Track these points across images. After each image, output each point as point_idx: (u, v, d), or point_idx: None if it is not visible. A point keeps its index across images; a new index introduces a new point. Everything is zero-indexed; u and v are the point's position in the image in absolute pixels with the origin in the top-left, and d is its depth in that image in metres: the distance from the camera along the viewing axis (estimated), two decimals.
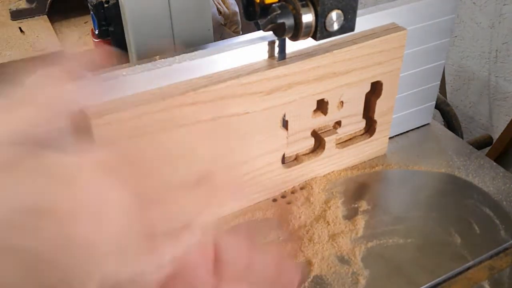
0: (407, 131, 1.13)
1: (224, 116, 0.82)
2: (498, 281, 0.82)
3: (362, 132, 1.03)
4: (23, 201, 0.32)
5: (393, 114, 1.02)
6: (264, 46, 0.83)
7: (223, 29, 1.59)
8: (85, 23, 1.95)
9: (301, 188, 0.97)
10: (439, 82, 1.10)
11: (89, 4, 1.04)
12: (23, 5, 1.93)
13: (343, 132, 0.99)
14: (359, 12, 0.77)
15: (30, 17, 1.93)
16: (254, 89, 0.82)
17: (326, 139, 0.95)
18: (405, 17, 0.95)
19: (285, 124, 0.90)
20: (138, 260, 0.37)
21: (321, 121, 0.95)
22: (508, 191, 0.96)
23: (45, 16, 1.94)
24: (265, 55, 0.84)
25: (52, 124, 0.40)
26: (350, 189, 0.98)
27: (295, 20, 0.73)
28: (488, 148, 1.50)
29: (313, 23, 0.73)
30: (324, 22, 0.73)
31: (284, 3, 0.74)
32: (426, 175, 1.01)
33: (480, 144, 1.25)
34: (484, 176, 0.99)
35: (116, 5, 1.00)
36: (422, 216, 0.92)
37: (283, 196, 0.96)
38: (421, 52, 1.02)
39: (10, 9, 1.92)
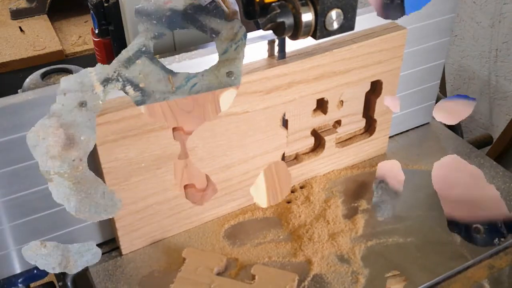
0: (407, 130, 1.13)
1: (223, 115, 0.82)
2: (497, 280, 0.82)
3: (362, 131, 1.03)
4: None
5: (393, 113, 1.02)
6: (264, 45, 0.83)
7: None
8: (85, 22, 1.95)
9: (301, 187, 0.97)
10: (439, 81, 1.10)
11: (89, 4, 1.04)
12: (23, 4, 1.93)
13: (343, 131, 0.99)
14: (359, 11, 0.77)
15: (30, 17, 1.93)
16: (254, 88, 0.82)
17: (326, 138, 0.95)
18: (405, 16, 0.94)
19: (285, 123, 0.90)
20: None
21: (321, 120, 0.95)
22: (508, 190, 0.96)
23: (45, 16, 1.94)
24: (264, 54, 0.84)
25: None
26: (350, 188, 0.98)
27: (294, 19, 0.73)
28: (488, 147, 1.50)
29: (313, 22, 0.73)
30: (324, 21, 0.73)
31: (283, 2, 0.74)
32: (426, 174, 1.01)
33: (480, 143, 1.24)
34: (484, 175, 0.99)
35: (116, 4, 1.00)
36: (422, 215, 0.92)
37: None
38: (421, 51, 1.02)
39: (10, 8, 1.92)
